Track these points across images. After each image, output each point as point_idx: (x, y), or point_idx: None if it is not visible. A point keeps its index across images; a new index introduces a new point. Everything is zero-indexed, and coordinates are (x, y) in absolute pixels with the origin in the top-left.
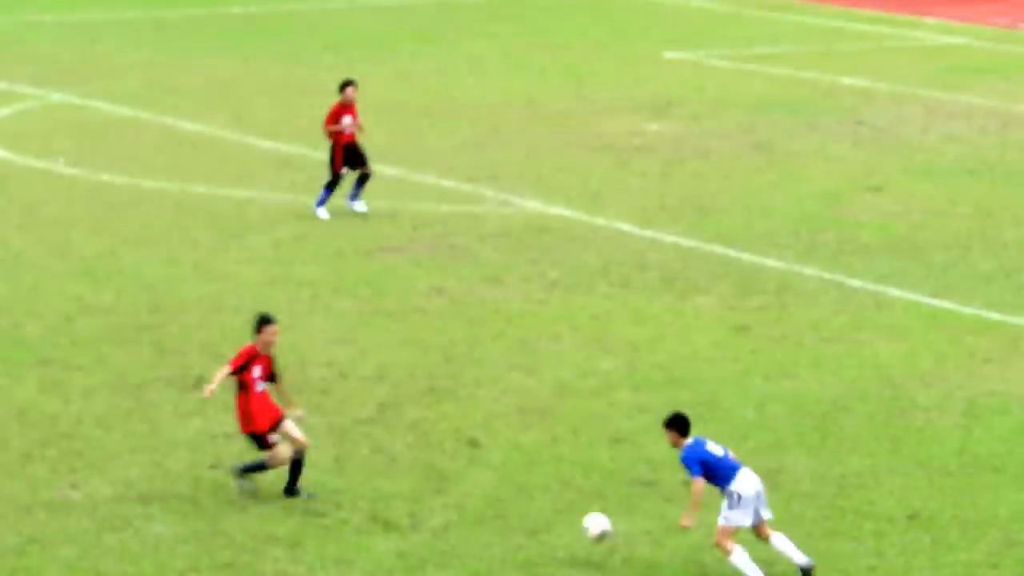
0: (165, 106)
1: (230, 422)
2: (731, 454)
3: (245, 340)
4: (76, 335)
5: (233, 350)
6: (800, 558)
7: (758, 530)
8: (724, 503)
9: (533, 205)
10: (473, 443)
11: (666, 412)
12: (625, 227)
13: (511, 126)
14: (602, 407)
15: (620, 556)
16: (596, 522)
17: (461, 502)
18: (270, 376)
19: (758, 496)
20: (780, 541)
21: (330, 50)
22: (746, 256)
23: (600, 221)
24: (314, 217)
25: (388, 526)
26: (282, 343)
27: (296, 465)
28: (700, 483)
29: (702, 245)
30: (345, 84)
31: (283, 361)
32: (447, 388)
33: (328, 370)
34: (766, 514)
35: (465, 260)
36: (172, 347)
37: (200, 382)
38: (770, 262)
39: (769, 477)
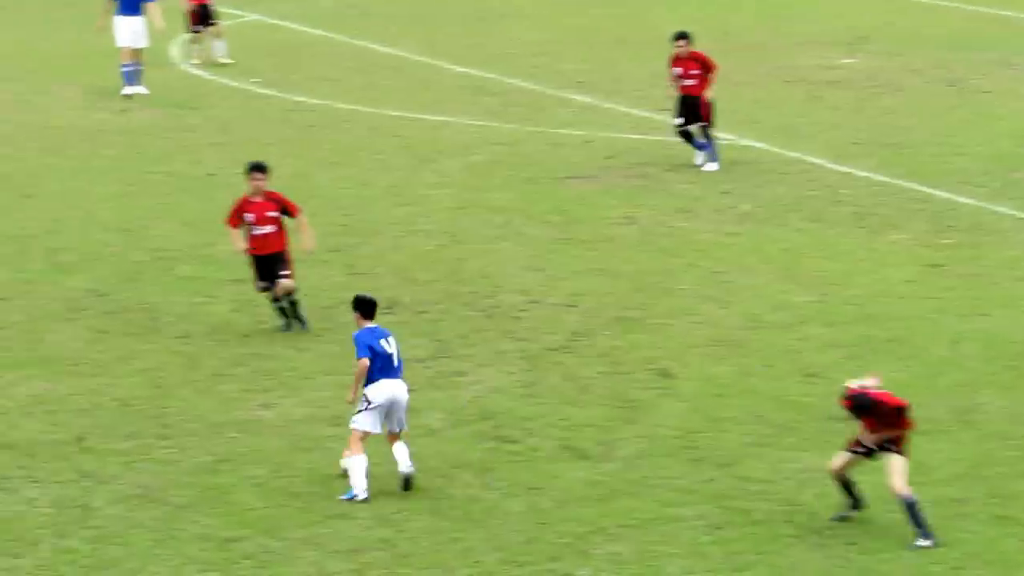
0: (359, 29)
1: (423, 346)
2: (396, 362)
3: (437, 264)
4: None
5: (425, 274)
6: (405, 467)
7: (390, 438)
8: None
9: (726, 136)
10: (665, 373)
11: (858, 348)
12: (817, 161)
13: None
14: (794, 341)
15: (812, 491)
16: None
17: (652, 432)
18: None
19: (393, 406)
20: (399, 449)
21: None
22: (939, 193)
23: (793, 155)
24: (507, 143)
25: (579, 454)
26: (473, 268)
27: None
28: (364, 363)
29: (895, 181)
30: (677, 36)
31: (474, 287)
32: (638, 318)
33: (520, 297)
34: (397, 427)
35: (657, 190)
36: (364, 269)
37: (392, 304)
38: (963, 200)
39: (962, 415)
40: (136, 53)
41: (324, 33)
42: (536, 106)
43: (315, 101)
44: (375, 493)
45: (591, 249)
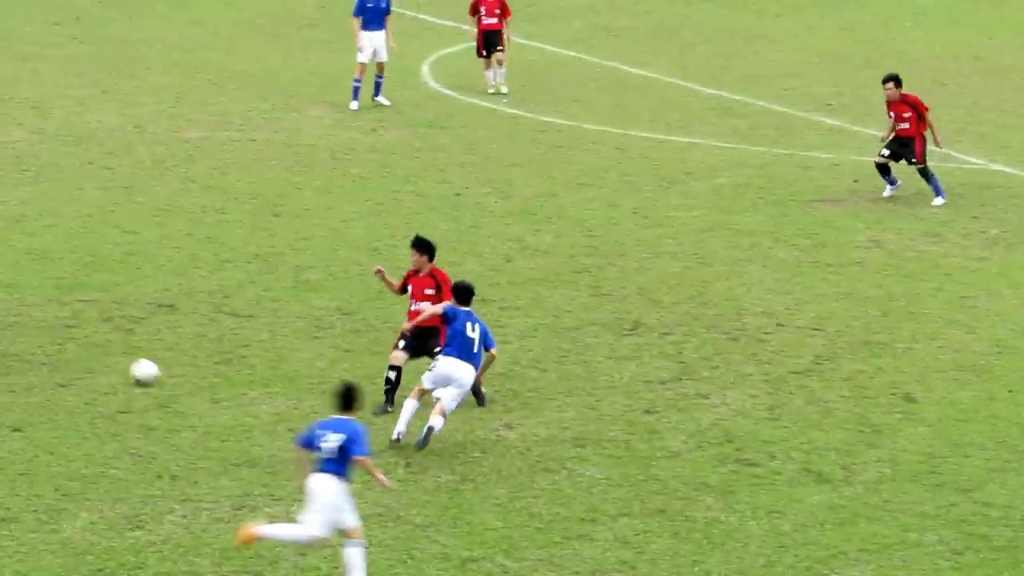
0: (608, 50)
1: (667, 367)
2: (474, 348)
3: (682, 286)
4: (515, 275)
5: (670, 295)
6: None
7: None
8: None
9: (975, 161)
10: (908, 398)
11: None
12: None
13: (956, 80)
14: None
15: None
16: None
17: (894, 456)
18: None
19: (450, 383)
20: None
21: None
22: None
23: None
24: (755, 166)
25: (820, 478)
26: (718, 290)
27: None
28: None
29: None
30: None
31: (719, 309)
32: (883, 342)
33: (765, 319)
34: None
35: (905, 214)
36: (609, 290)
37: (637, 327)
38: None
39: None
40: (379, 67)
41: (574, 54)
42: (785, 128)
43: (563, 122)
44: (616, 515)
45: (837, 273)
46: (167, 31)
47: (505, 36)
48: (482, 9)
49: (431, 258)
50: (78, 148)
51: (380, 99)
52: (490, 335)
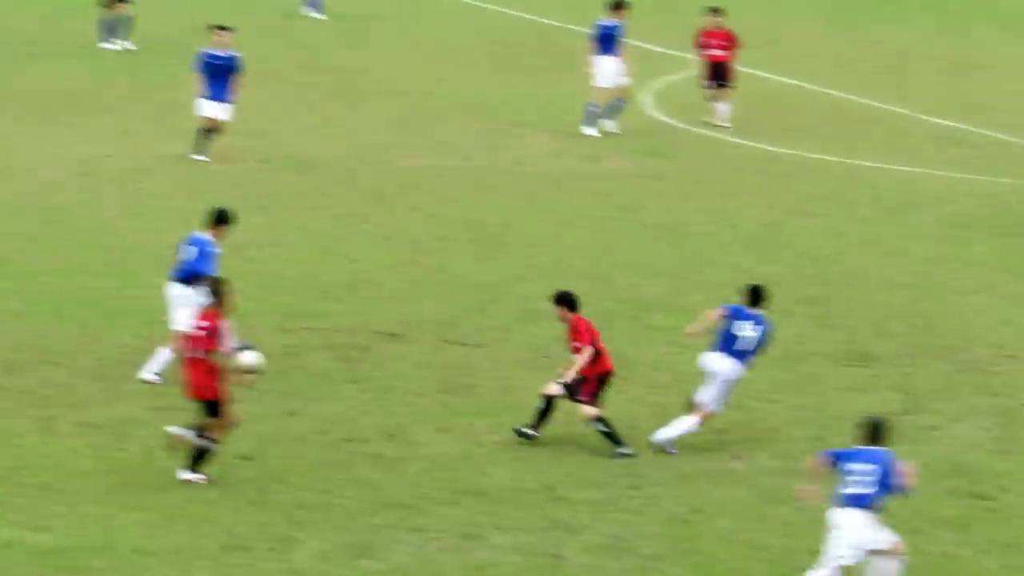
0: (831, 78)
1: (895, 399)
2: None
3: (910, 316)
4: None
5: (897, 326)
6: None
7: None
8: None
9: None
10: None
11: None
12: None
13: None
14: None
15: None
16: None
17: None
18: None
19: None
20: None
21: (1003, 27)
22: None
23: None
24: (983, 195)
25: None
26: (947, 321)
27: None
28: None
29: None
30: None
31: (948, 340)
32: None
33: (995, 350)
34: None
35: None
36: (836, 321)
37: (865, 357)
38: None
39: None
40: (620, 91)
41: (796, 82)
42: (1013, 158)
43: (787, 151)
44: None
45: None
46: (391, 60)
47: (732, 70)
48: (712, 41)
49: (571, 309)
50: (303, 177)
51: (608, 124)
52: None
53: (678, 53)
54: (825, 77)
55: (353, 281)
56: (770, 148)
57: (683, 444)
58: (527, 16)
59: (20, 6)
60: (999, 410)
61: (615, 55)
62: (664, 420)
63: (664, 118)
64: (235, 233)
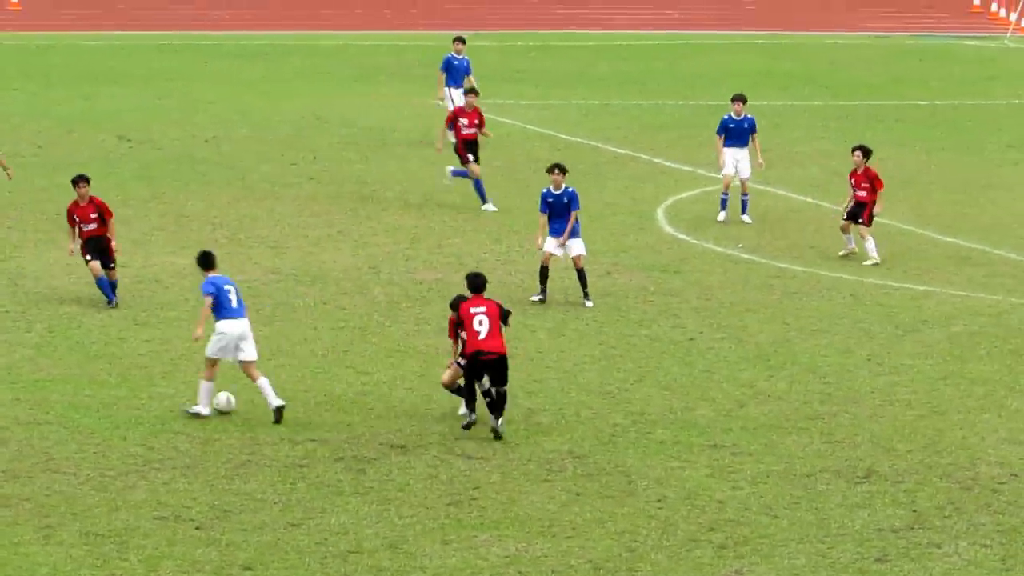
0: (845, 196)
1: (899, 516)
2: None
3: (916, 434)
4: (747, 421)
5: (903, 443)
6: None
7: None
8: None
9: None
10: None
11: None
12: None
13: None
14: None
15: None
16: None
17: None
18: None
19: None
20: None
21: (1015, 147)
22: None
23: None
24: (991, 314)
25: None
26: (952, 439)
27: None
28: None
29: None
30: None
31: (953, 458)
32: None
33: (999, 469)
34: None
35: None
36: (842, 438)
37: (869, 474)
38: None
39: None
40: (743, 184)
41: (810, 200)
42: (1022, 277)
43: (799, 268)
44: None
45: None
46: (404, 172)
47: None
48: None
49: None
50: (313, 288)
51: (745, 217)
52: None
53: (690, 169)
54: (839, 195)
55: (361, 393)
56: (782, 265)
57: (686, 559)
58: (541, 130)
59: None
60: (1002, 528)
61: (743, 147)
62: (668, 535)
63: (676, 233)
64: None
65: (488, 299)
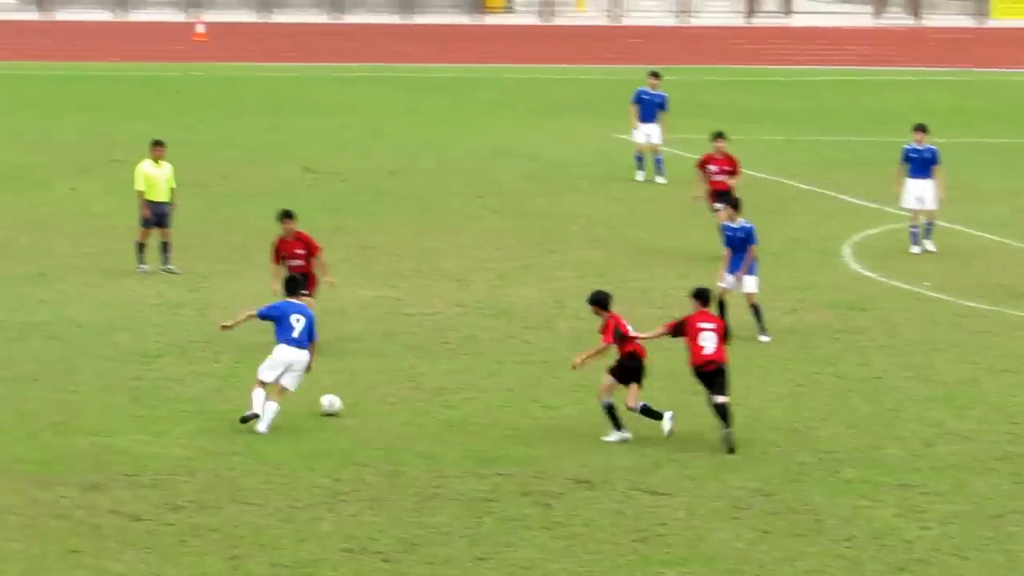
0: None
1: None
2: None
3: None
4: (936, 460)
5: None
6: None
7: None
8: None
9: None
10: None
11: None
12: None
13: None
14: None
15: None
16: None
17: None
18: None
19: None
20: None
21: None
22: None
23: None
24: None
25: None
26: None
27: None
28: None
29: None
30: None
31: None
32: None
33: None
34: (285, 381)
35: None
36: None
37: None
38: None
39: None
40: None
41: (999, 239)
42: None
43: (987, 307)
44: None
45: None
46: (590, 207)
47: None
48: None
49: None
50: (498, 321)
51: (928, 243)
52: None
53: (876, 206)
54: None
55: (548, 427)
56: (970, 304)
57: None
58: None
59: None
60: None
61: (927, 179)
62: (857, 575)
63: (863, 271)
64: (429, 377)
65: (714, 315)
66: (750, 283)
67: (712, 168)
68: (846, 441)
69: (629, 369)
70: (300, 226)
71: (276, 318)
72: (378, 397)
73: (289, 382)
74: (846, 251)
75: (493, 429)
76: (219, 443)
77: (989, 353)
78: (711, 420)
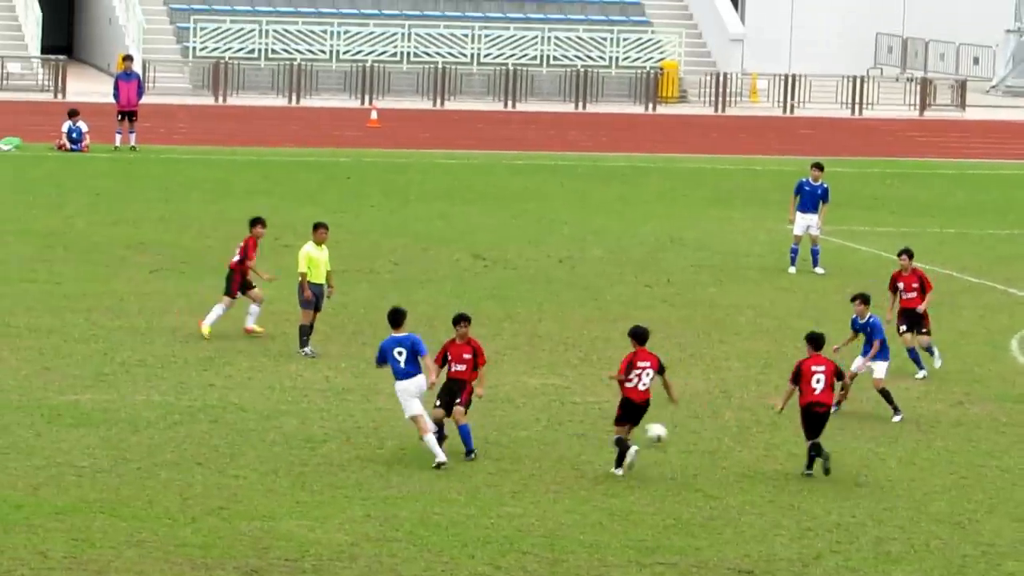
0: None
1: None
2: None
3: None
4: None
5: None
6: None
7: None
8: None
9: None
10: None
11: None
12: None
13: None
14: None
15: None
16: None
17: None
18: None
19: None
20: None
21: None
22: None
23: None
24: None
25: None
26: None
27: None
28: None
29: None
30: None
31: None
32: None
33: None
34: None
35: None
36: None
37: None
38: None
39: None
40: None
41: None
42: None
43: None
44: None
45: None
46: (758, 297)
47: None
48: None
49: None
50: (664, 410)
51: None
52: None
53: None
54: None
55: (710, 517)
56: None
57: None
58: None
59: None
60: None
61: None
62: None
63: None
64: (593, 466)
65: (826, 358)
66: (879, 369)
67: (900, 286)
68: (1009, 534)
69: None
70: (470, 311)
71: (379, 359)
72: (541, 485)
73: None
74: (1014, 344)
75: (655, 518)
76: (381, 529)
77: None
78: (878, 512)
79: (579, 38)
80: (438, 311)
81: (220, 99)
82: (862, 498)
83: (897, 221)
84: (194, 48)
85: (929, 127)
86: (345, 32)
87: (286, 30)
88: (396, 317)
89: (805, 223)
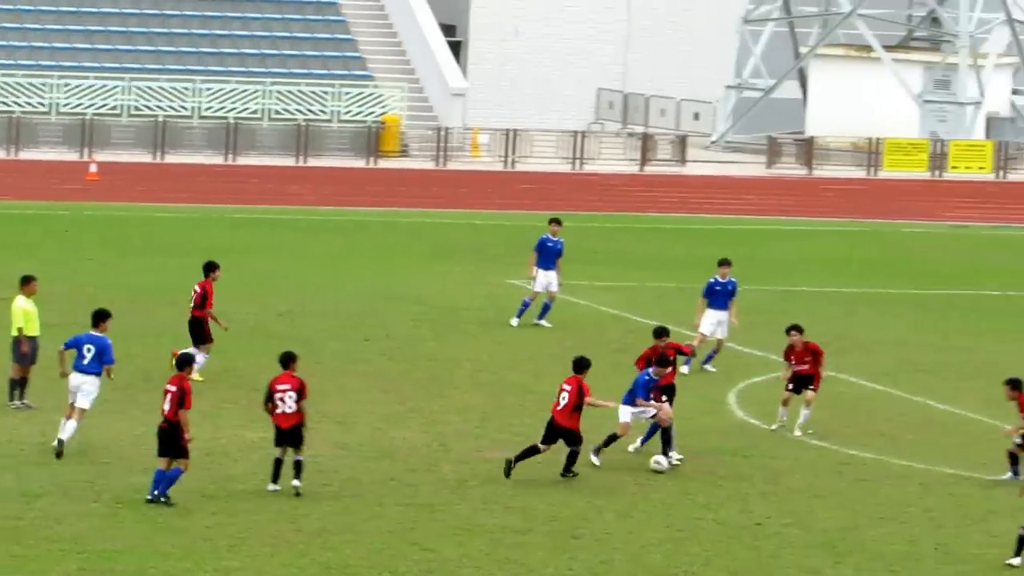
0: (916, 384)
1: None
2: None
3: None
4: None
5: None
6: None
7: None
8: None
9: None
10: None
11: None
12: None
13: None
14: None
15: None
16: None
17: None
18: None
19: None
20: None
21: None
22: None
23: None
24: None
25: None
26: None
27: None
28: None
29: None
30: None
31: None
32: None
33: None
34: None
35: None
36: None
37: None
38: None
39: None
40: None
41: (881, 387)
42: None
43: (868, 455)
44: None
45: None
46: (476, 350)
47: (818, 378)
48: (792, 359)
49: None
50: (381, 464)
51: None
52: None
53: (761, 354)
54: (910, 384)
55: (427, 571)
56: (852, 452)
57: None
58: (614, 311)
59: None
60: None
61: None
62: None
63: (747, 418)
64: (311, 519)
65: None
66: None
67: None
68: None
69: None
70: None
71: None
72: (258, 539)
73: (81, 401)
74: (731, 398)
75: (372, 571)
76: None
77: (869, 501)
78: (595, 565)
79: (301, 92)
80: (156, 364)
81: None
82: (579, 551)
83: (616, 275)
84: None
85: (649, 182)
86: (65, 85)
87: (4, 83)
88: (97, 317)
89: (546, 280)
